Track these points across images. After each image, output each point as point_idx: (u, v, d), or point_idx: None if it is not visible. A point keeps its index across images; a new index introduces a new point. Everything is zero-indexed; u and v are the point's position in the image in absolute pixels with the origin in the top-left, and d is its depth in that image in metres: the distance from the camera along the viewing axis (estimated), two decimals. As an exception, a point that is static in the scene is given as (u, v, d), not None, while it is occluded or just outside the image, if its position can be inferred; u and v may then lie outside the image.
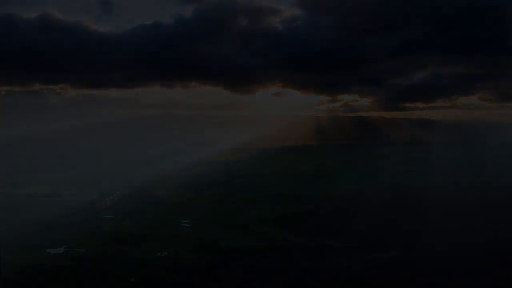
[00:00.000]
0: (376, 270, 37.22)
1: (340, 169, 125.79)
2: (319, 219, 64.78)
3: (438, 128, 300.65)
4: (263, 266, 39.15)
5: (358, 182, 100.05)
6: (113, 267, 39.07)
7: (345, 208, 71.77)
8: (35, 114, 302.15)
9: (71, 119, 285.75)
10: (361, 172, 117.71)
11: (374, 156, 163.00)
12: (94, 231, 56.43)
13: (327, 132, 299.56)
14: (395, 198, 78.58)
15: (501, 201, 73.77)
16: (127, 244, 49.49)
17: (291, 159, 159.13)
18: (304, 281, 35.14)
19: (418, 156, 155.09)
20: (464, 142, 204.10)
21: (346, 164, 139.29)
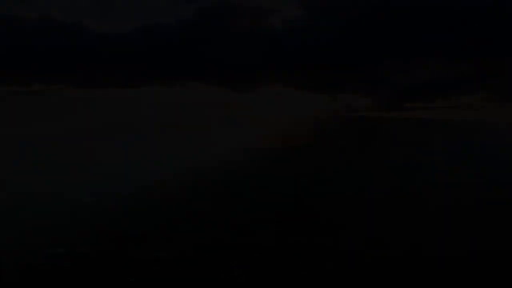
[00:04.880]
0: (376, 270, 37.38)
1: (340, 169, 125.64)
2: (319, 219, 64.70)
3: (438, 128, 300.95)
4: (263, 266, 39.27)
5: (358, 182, 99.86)
6: (113, 267, 39.17)
7: (345, 208, 71.67)
8: (35, 114, 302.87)
9: (71, 119, 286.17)
10: (361, 172, 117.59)
11: (374, 156, 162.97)
12: (94, 231, 56.39)
13: (327, 132, 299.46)
14: (395, 198, 78.50)
15: (502, 201, 73.81)
16: (127, 244, 49.58)
17: (291, 159, 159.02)
18: (304, 281, 35.28)
19: (418, 156, 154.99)
20: (464, 142, 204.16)
21: (346, 164, 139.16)
